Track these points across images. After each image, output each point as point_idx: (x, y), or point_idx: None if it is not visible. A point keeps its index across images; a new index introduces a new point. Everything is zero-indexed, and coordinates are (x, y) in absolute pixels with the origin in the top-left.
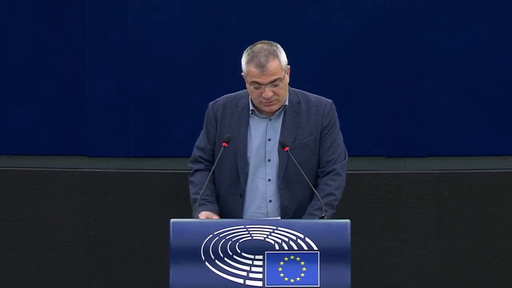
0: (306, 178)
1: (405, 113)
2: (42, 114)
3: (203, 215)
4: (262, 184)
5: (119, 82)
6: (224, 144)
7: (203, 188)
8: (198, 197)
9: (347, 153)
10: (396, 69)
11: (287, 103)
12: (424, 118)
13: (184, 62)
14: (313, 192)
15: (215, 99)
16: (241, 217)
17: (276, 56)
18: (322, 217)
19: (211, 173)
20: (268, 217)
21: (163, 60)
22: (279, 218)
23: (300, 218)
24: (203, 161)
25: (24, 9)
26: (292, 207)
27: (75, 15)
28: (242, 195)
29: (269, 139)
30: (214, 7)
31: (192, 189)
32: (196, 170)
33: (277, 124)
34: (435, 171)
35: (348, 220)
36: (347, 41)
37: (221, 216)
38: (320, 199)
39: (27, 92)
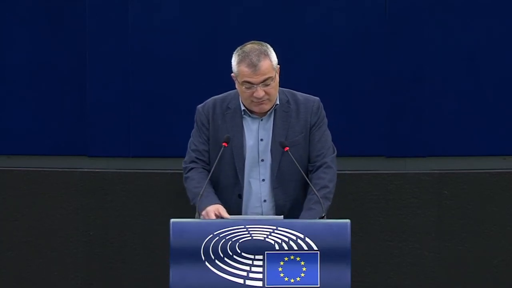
0: (305, 176)
1: (405, 113)
2: (42, 114)
3: (212, 209)
4: (256, 184)
5: (119, 82)
6: (224, 144)
7: (205, 183)
8: (201, 190)
9: (335, 148)
10: (396, 69)
11: (278, 102)
12: (424, 118)
13: (184, 62)
14: (306, 189)
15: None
16: None
17: (267, 55)
18: (322, 217)
19: (210, 173)
20: None
21: (163, 60)
22: (282, 216)
23: (295, 216)
24: (199, 161)
25: (24, 9)
26: (287, 205)
27: (75, 15)
28: (240, 196)
29: (261, 139)
30: (214, 7)
31: (190, 184)
32: (192, 168)
33: (269, 124)
34: (435, 171)
35: (348, 220)
36: (347, 42)
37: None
38: (316, 193)
39: (27, 92)
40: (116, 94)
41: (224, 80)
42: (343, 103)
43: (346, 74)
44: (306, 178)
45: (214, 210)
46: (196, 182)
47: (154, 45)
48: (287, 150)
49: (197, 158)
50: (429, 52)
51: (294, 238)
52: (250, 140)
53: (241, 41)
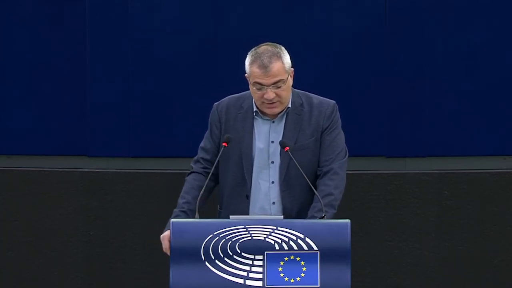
0: (307, 179)
1: (405, 113)
2: (42, 114)
3: (166, 237)
4: (266, 186)
5: (119, 82)
6: (224, 144)
7: (190, 196)
8: (182, 201)
9: (347, 153)
10: (396, 69)
11: (290, 105)
12: (424, 118)
13: (184, 62)
14: (314, 194)
15: (215, 99)
16: None
17: (279, 57)
18: (322, 217)
19: (209, 176)
20: None
21: (163, 60)
22: (282, 216)
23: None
24: (203, 162)
25: (24, 9)
26: (294, 209)
27: (75, 15)
28: (248, 197)
29: (272, 141)
30: (214, 7)
31: (182, 190)
32: (192, 172)
33: (280, 127)
34: (435, 171)
35: (348, 220)
36: (347, 41)
37: (227, 217)
38: (320, 200)
39: (27, 92)
40: (116, 94)
41: (224, 80)
42: (343, 103)
43: (346, 74)
44: (309, 182)
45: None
46: (184, 191)
47: (154, 45)
48: (287, 151)
49: (202, 158)
50: (429, 52)
51: (294, 238)
52: (260, 141)
53: (241, 41)
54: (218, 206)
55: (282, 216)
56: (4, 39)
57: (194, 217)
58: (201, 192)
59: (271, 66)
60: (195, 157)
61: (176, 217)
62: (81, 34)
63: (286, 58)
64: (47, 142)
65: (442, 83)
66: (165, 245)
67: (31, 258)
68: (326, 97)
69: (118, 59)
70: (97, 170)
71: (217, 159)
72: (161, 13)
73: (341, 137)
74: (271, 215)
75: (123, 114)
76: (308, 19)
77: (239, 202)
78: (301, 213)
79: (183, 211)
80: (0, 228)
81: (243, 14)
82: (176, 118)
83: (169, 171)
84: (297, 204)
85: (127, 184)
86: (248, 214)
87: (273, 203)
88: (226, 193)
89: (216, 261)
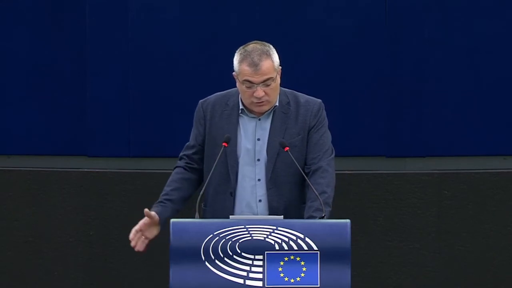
0: (305, 176)
1: (405, 113)
2: (42, 114)
3: (138, 224)
4: (252, 184)
5: (119, 82)
6: (224, 144)
7: (171, 187)
8: (163, 193)
9: (333, 150)
10: (396, 69)
11: (277, 104)
12: (424, 118)
13: (184, 62)
14: (302, 192)
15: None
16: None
17: (269, 55)
18: (322, 217)
19: (211, 173)
20: None
21: (163, 60)
22: (281, 216)
23: (289, 218)
24: (186, 158)
25: (24, 9)
26: (281, 207)
27: (75, 15)
28: (232, 194)
29: (258, 139)
30: (214, 7)
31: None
32: (176, 167)
33: (266, 124)
34: (435, 171)
35: (348, 220)
36: (347, 42)
37: (212, 215)
38: (319, 197)
39: (27, 92)
40: (116, 94)
41: (224, 80)
42: (343, 103)
43: (346, 74)
44: (307, 179)
45: (139, 225)
46: (166, 185)
47: (154, 45)
48: (287, 150)
49: (185, 155)
50: (429, 52)
51: (294, 238)
52: (245, 139)
53: (241, 41)
54: (203, 204)
55: (282, 216)
56: (4, 39)
57: (171, 208)
58: (202, 190)
59: (261, 64)
60: (180, 154)
61: (152, 208)
62: (81, 34)
63: (275, 57)
64: (47, 142)
65: (442, 83)
66: (147, 214)
67: (31, 258)
68: (326, 97)
69: (118, 59)
70: (97, 170)
71: (217, 159)
72: (161, 13)
73: (327, 135)
74: (257, 213)
75: (122, 114)
76: (308, 19)
77: (224, 199)
78: (288, 211)
79: (160, 202)
80: (0, 228)
81: (242, 14)
82: (176, 118)
83: (169, 171)
84: (284, 202)
85: (127, 184)
86: (233, 212)
87: (260, 200)
88: (211, 191)
89: (216, 261)
